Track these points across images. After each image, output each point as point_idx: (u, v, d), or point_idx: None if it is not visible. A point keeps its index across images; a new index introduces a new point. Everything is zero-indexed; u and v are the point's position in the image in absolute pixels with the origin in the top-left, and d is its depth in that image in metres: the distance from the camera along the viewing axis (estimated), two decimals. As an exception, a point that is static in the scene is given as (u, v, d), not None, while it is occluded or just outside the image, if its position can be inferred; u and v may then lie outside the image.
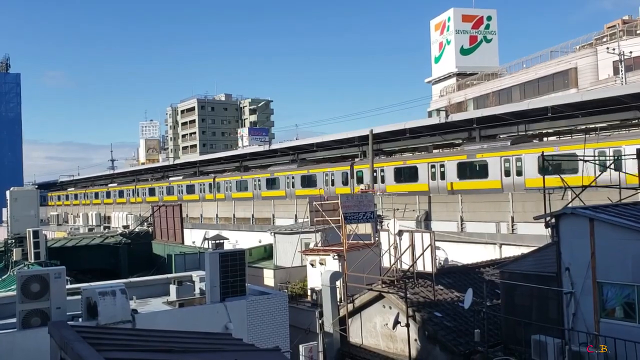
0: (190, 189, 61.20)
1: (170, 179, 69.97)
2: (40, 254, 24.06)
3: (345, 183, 40.42)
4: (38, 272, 12.99)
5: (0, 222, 65.50)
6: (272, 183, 49.32)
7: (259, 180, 51.04)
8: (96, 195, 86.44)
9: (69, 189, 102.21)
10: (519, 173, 29.56)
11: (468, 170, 32.28)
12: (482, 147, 33.12)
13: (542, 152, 23.01)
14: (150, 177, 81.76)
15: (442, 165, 33.16)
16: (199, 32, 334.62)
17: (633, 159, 17.45)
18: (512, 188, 29.29)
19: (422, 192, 31.84)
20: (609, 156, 23.95)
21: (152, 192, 69.80)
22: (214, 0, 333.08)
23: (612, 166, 21.13)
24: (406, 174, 35.34)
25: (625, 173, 18.69)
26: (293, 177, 46.85)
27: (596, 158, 22.89)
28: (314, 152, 51.23)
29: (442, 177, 33.10)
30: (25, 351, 11.63)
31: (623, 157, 22.57)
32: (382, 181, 37.09)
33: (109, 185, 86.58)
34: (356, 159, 44.47)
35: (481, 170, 31.46)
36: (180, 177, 67.20)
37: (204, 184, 59.23)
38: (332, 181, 41.95)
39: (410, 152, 44.10)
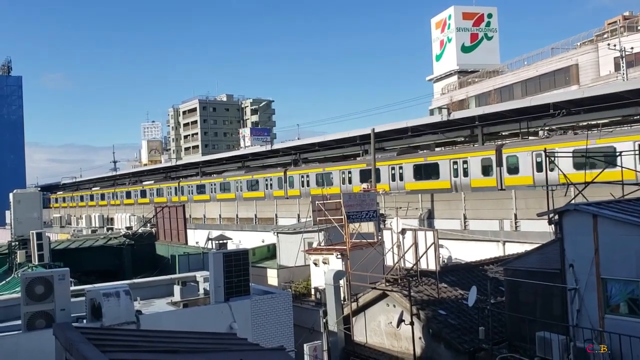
0: (160, 192, 68.19)
1: (144, 183, 76.90)
2: (44, 256, 24.10)
3: (280, 186, 48.04)
4: (42, 274, 13.02)
5: (3, 224, 65.76)
6: (224, 187, 56.39)
7: (215, 185, 58.00)
8: (81, 198, 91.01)
9: (58, 193, 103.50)
10: (401, 178, 35.99)
11: (368, 176, 37.80)
12: (378, 157, 38.82)
13: (416, 161, 33.88)
14: (128, 181, 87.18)
15: (349, 172, 39.47)
16: (199, 32, 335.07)
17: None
18: (397, 189, 35.65)
19: (334, 194, 37.26)
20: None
21: (128, 195, 75.86)
22: (215, 1, 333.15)
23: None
24: (325, 179, 42.57)
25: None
26: (241, 182, 53.83)
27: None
28: (315, 152, 51.28)
29: (350, 181, 39.15)
30: (30, 353, 11.65)
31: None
32: (308, 185, 44.26)
33: (93, 188, 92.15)
34: (358, 158, 44.90)
35: (376, 176, 36.98)
36: (152, 182, 75.03)
37: (170, 187, 66.16)
38: (271, 185, 49.39)
39: (413, 150, 44.19)
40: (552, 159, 22.27)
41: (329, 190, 37.63)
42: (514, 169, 29.13)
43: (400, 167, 36.29)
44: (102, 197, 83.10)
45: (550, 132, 31.92)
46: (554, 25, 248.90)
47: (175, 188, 64.34)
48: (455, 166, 31.89)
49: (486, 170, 30.85)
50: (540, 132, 32.83)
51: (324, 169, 44.67)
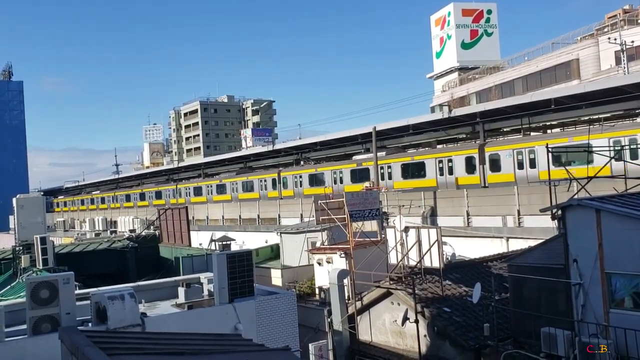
0: (107, 200, 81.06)
1: (93, 192, 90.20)
2: (48, 260, 24.15)
3: (173, 197, 63.11)
4: (47, 279, 13.06)
5: (7, 229, 65.97)
6: (142, 196, 68.68)
7: (136, 195, 71.21)
8: (65, 204, 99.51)
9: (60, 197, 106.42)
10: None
11: (315, 180, 45.84)
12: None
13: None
14: (82, 190, 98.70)
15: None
16: (199, 34, 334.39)
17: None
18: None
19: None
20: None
21: (82, 202, 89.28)
22: (214, 2, 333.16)
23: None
24: (282, 183, 49.11)
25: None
26: (152, 193, 67.50)
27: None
28: (317, 151, 51.28)
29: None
30: (37, 357, 11.69)
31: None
32: (266, 188, 50.87)
33: (58, 197, 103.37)
34: (360, 156, 45.01)
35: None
36: (98, 192, 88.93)
37: (122, 196, 77.73)
38: (166, 195, 63.89)
39: (414, 148, 44.22)
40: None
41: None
42: (283, 185, 47.40)
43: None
44: (65, 204, 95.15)
45: (318, 160, 48.84)
46: (554, 19, 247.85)
47: (102, 199, 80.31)
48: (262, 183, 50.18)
49: (273, 185, 48.35)
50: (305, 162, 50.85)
51: (197, 183, 59.44)
